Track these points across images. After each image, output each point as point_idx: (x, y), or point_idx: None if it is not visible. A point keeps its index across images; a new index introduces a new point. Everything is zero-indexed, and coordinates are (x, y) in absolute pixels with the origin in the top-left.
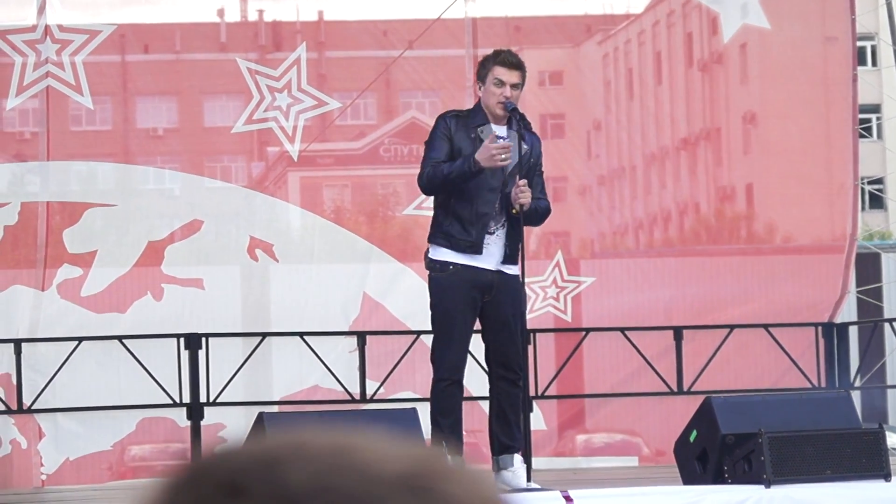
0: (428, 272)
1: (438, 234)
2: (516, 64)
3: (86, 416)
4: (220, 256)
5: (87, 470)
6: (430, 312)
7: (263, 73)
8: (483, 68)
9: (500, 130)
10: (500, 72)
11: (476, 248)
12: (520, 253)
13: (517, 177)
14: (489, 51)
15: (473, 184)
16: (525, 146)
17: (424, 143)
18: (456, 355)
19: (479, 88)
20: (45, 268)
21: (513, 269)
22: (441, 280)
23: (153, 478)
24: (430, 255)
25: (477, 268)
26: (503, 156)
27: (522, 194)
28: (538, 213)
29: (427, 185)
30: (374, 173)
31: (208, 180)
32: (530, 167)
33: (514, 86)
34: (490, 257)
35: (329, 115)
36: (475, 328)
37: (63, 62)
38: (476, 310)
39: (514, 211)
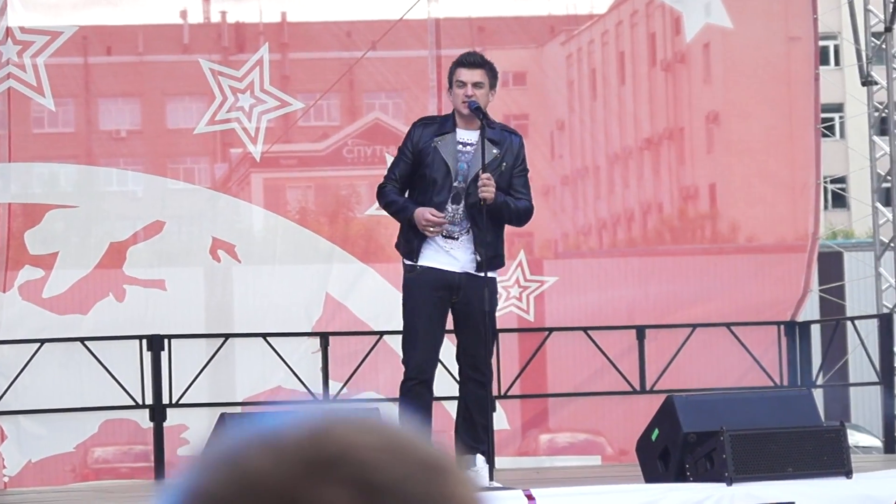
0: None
1: (397, 241)
2: (476, 62)
3: (48, 418)
4: (182, 258)
5: (50, 472)
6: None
7: (226, 74)
8: (450, 74)
9: (471, 135)
10: (461, 73)
11: (412, 256)
12: (497, 259)
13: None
14: (452, 51)
15: (425, 197)
16: (496, 151)
17: (398, 148)
18: (422, 355)
19: (449, 94)
20: (7, 270)
21: (490, 272)
22: (408, 281)
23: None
24: (404, 260)
25: (442, 270)
26: (431, 229)
27: (484, 188)
28: (512, 211)
29: (378, 201)
30: (337, 174)
31: (171, 181)
32: (503, 170)
33: (475, 84)
34: (455, 261)
35: (292, 115)
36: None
37: (25, 64)
38: (444, 310)
39: (481, 203)
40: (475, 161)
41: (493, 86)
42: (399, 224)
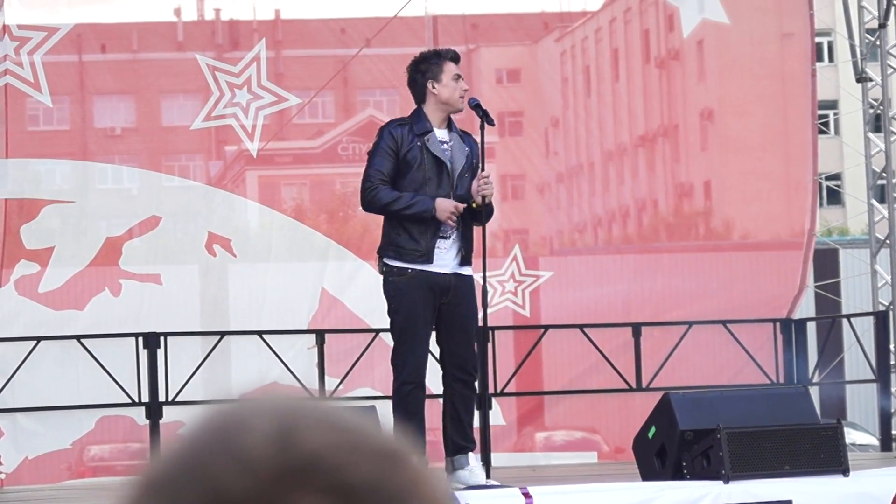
0: (384, 276)
1: (388, 247)
2: (459, 56)
3: (45, 414)
4: (178, 253)
5: (46, 469)
6: (388, 318)
7: (223, 70)
8: (435, 66)
9: (444, 134)
10: (454, 67)
11: (427, 257)
12: (481, 251)
13: (466, 176)
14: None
15: (422, 194)
16: (466, 147)
17: (367, 152)
18: (418, 359)
19: (433, 87)
20: (2, 266)
21: (468, 271)
22: (400, 284)
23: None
24: (385, 261)
25: (433, 272)
26: (454, 220)
27: (487, 186)
28: (490, 210)
29: (369, 205)
30: (332, 172)
31: (166, 177)
32: (474, 165)
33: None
34: (445, 262)
35: (287, 113)
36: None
37: (22, 61)
38: (434, 312)
39: (474, 205)
40: (456, 157)
41: None
42: (389, 229)
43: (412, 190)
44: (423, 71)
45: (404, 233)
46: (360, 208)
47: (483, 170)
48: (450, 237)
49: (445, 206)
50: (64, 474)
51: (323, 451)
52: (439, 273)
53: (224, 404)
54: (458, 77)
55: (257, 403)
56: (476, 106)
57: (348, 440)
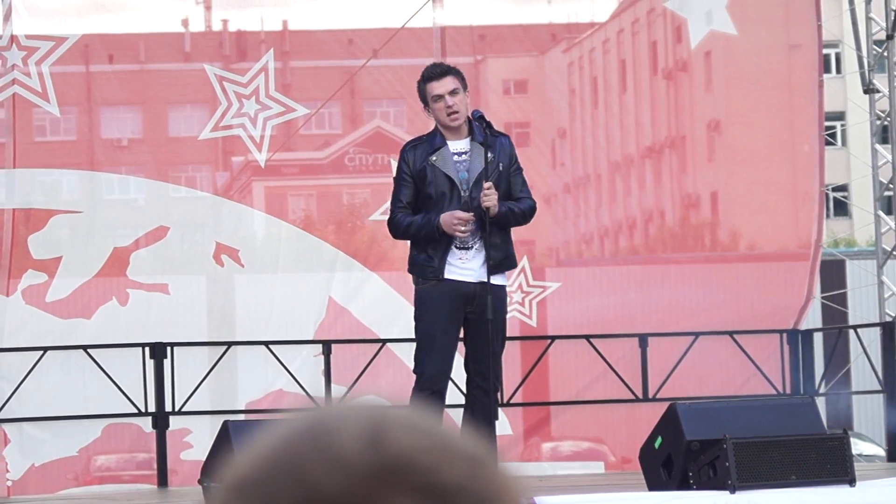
0: (414, 286)
1: (411, 265)
2: (443, 72)
3: (51, 422)
4: (185, 263)
5: (53, 477)
6: (413, 323)
7: (231, 80)
8: (421, 93)
9: (462, 145)
10: (433, 87)
11: (438, 273)
12: (508, 260)
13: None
14: (456, 59)
15: (435, 211)
16: (490, 155)
17: (394, 178)
18: (437, 366)
19: (428, 114)
20: (10, 277)
21: (498, 280)
22: (424, 292)
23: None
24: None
25: (459, 281)
26: (462, 229)
27: (487, 197)
28: (516, 214)
29: (394, 233)
30: (339, 182)
31: (173, 188)
32: (501, 171)
33: (452, 92)
34: (471, 271)
35: (294, 124)
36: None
37: (30, 70)
38: (460, 321)
39: (485, 212)
40: (474, 167)
41: (465, 87)
42: (411, 247)
43: (428, 207)
44: (421, 100)
45: (423, 251)
46: (366, 219)
47: (487, 179)
48: (472, 247)
49: (447, 221)
50: (70, 483)
51: (414, 452)
52: (463, 282)
53: (311, 410)
54: (438, 97)
55: (344, 408)
56: (479, 118)
57: (437, 442)
